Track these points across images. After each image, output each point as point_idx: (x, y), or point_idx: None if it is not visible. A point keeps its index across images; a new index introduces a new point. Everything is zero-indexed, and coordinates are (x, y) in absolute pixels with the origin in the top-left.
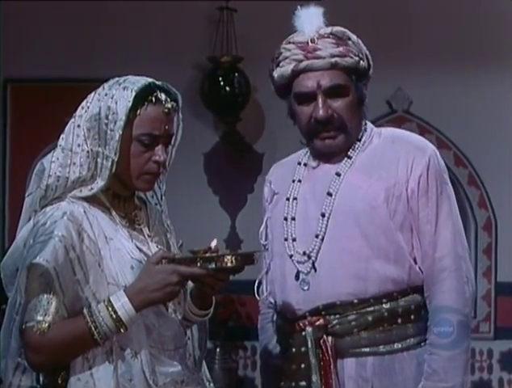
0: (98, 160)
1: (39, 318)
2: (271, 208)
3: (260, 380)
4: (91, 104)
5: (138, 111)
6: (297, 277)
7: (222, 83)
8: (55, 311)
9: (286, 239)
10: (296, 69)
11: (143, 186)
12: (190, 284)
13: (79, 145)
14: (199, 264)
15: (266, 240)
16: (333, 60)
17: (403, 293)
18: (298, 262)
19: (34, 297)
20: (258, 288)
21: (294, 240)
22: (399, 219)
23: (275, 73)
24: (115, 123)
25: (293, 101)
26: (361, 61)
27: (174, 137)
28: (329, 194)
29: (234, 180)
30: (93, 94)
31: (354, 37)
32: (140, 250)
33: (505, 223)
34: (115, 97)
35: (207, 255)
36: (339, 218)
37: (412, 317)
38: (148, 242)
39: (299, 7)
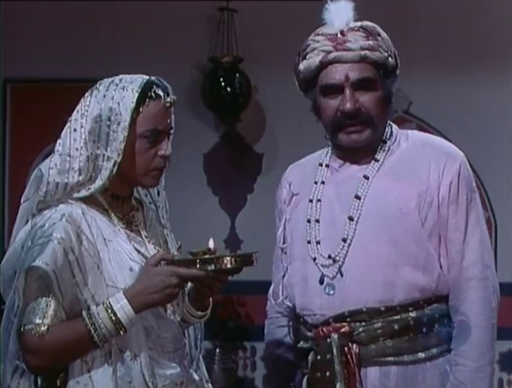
0: (97, 162)
1: (38, 320)
2: (290, 210)
3: (266, 383)
4: (89, 107)
5: (140, 109)
6: (321, 281)
7: (223, 84)
8: (53, 314)
9: (309, 242)
10: (325, 61)
11: (151, 182)
12: (188, 285)
13: (77, 149)
14: (198, 266)
15: (284, 243)
16: (363, 52)
17: (428, 302)
18: (322, 265)
19: (32, 300)
20: (273, 292)
21: (318, 243)
22: (429, 226)
23: (301, 66)
24: (119, 124)
25: (318, 94)
26: (389, 58)
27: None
28: (358, 197)
29: (234, 181)
30: (88, 97)
31: (383, 33)
32: (139, 251)
33: (505, 223)
34: (115, 98)
35: (206, 256)
36: (368, 223)
37: (436, 326)
38: (145, 244)
39: (329, 0)
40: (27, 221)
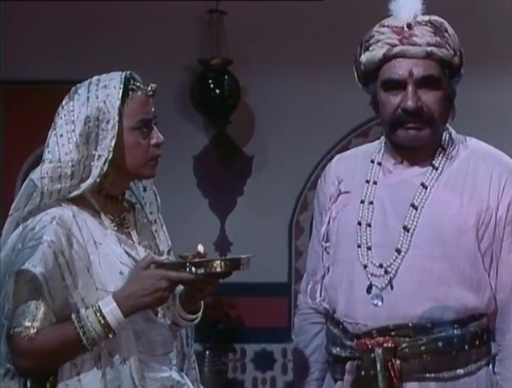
0: (87, 162)
1: (27, 323)
2: (337, 208)
3: (295, 383)
4: (74, 111)
5: (126, 104)
6: (369, 290)
7: (212, 86)
8: (43, 317)
9: (359, 246)
10: (389, 54)
11: (149, 173)
12: (179, 288)
13: (67, 154)
14: (188, 269)
15: (327, 242)
16: (430, 49)
17: (473, 319)
18: (372, 274)
19: (22, 303)
20: (311, 291)
21: (369, 249)
22: (484, 246)
23: (363, 58)
24: (108, 122)
25: (379, 88)
26: (455, 56)
27: None
28: (414, 207)
29: (224, 183)
30: (70, 101)
31: (451, 30)
32: (129, 255)
33: None
34: (100, 97)
35: (196, 260)
36: (424, 235)
37: (476, 342)
38: (136, 247)
39: None
40: (18, 225)
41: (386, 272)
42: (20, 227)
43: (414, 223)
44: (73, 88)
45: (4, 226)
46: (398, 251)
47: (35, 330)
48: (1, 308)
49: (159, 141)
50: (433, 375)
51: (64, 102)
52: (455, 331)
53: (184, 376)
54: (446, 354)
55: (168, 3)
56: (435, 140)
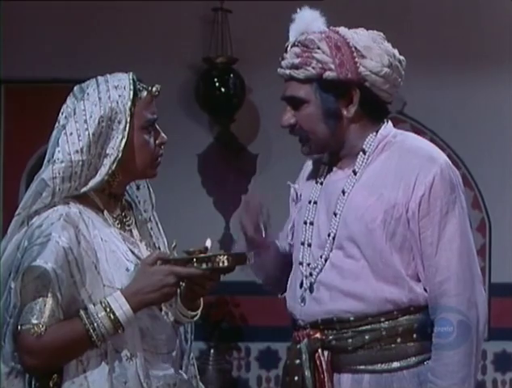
0: (93, 161)
1: (35, 321)
2: (297, 210)
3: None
4: (86, 111)
5: (135, 104)
6: (301, 286)
7: (217, 84)
8: (51, 314)
9: (302, 244)
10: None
11: (154, 172)
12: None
13: (77, 152)
14: (195, 265)
15: (292, 240)
16: (288, 72)
17: (404, 312)
18: (304, 275)
19: (30, 300)
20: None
21: (309, 246)
22: (398, 241)
23: None
24: (119, 122)
25: None
26: (327, 72)
27: None
28: (335, 214)
29: (228, 181)
30: (81, 101)
31: (325, 46)
32: (132, 252)
33: (499, 224)
34: (112, 98)
35: (203, 255)
36: (342, 239)
37: (414, 336)
38: (138, 244)
39: (298, 9)
40: (23, 223)
41: (311, 274)
42: (25, 225)
43: (334, 230)
44: (76, 87)
45: (10, 225)
46: (321, 257)
47: (44, 327)
48: (5, 305)
49: (163, 140)
50: (364, 367)
51: (69, 101)
52: (382, 323)
53: (183, 373)
54: (375, 347)
55: (173, 2)
56: (328, 150)
